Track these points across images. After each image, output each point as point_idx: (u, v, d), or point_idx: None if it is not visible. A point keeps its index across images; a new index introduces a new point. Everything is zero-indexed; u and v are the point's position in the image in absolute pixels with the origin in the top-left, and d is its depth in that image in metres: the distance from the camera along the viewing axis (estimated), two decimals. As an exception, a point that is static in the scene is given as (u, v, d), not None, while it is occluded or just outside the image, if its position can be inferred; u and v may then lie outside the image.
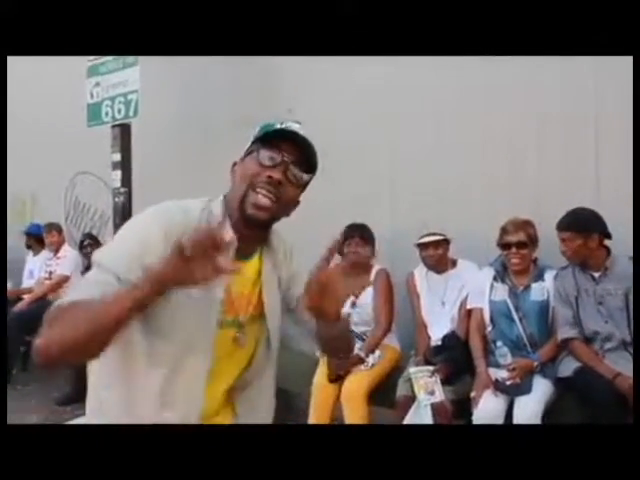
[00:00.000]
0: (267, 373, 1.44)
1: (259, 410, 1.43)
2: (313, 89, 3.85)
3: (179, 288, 1.02)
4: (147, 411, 1.19)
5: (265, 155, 1.22)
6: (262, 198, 1.21)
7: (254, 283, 1.36)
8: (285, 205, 1.26)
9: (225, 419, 1.38)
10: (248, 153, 1.27)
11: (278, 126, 1.23)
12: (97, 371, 1.29)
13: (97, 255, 1.17)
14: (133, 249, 1.15)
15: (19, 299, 5.27)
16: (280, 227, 1.39)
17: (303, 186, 1.29)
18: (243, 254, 1.31)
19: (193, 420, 1.21)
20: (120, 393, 1.25)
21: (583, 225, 2.74)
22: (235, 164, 1.32)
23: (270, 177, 1.20)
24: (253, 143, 1.26)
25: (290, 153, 1.22)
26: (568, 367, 2.73)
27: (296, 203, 1.32)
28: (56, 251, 5.31)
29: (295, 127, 1.24)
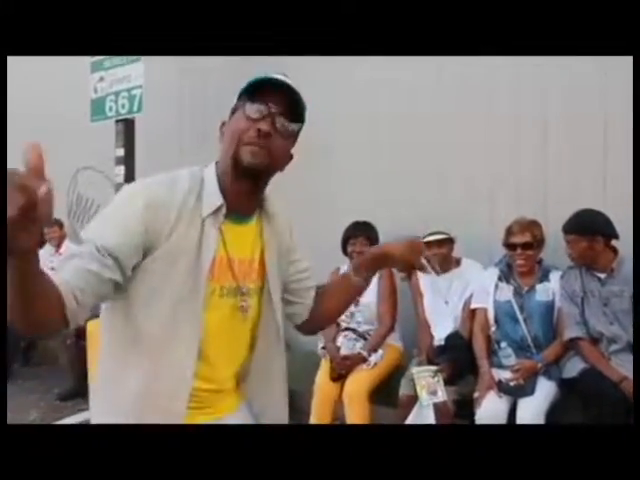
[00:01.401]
0: (276, 359, 1.40)
1: (271, 406, 1.40)
2: (315, 87, 3.83)
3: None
4: (133, 399, 1.17)
5: (251, 109, 1.19)
6: (254, 149, 1.19)
7: (253, 248, 1.33)
8: (277, 157, 1.23)
9: (231, 408, 1.35)
10: (234, 110, 1.25)
11: (263, 77, 1.21)
12: (93, 364, 1.28)
13: (82, 232, 1.16)
14: (113, 219, 1.14)
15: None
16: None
17: (293, 137, 1.27)
18: (240, 215, 1.29)
19: (181, 403, 1.18)
20: (107, 386, 1.24)
21: (588, 227, 2.73)
22: (223, 124, 1.29)
23: (259, 130, 1.18)
24: (239, 99, 1.24)
25: (277, 104, 1.20)
26: (573, 368, 2.72)
27: (289, 157, 1.30)
28: (58, 246, 5.30)
29: (280, 77, 1.21)
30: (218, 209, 1.24)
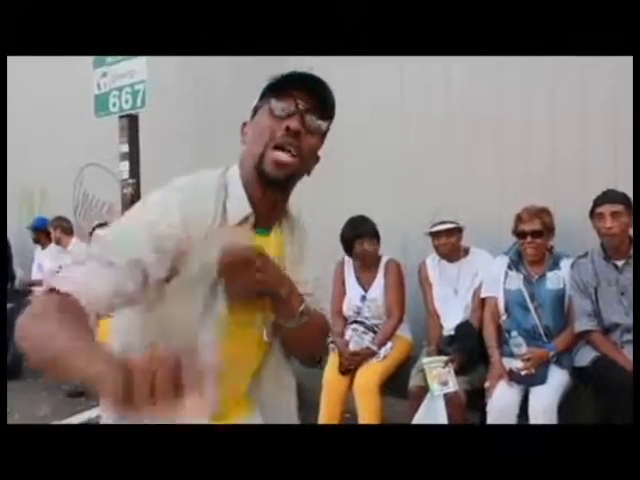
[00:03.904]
0: (287, 365, 1.36)
1: (280, 405, 1.36)
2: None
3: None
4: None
5: (278, 106, 1.11)
6: (282, 154, 1.10)
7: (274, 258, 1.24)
8: (306, 158, 1.14)
9: (239, 416, 1.30)
10: (257, 109, 1.16)
11: (288, 72, 1.12)
12: None
13: (106, 234, 1.07)
14: (148, 231, 1.05)
15: (29, 292, 5.29)
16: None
17: (322, 135, 1.18)
18: (262, 227, 1.21)
19: None
20: None
21: (630, 202, 2.60)
22: (245, 124, 1.21)
23: (288, 128, 1.09)
24: (262, 97, 1.15)
25: (304, 100, 1.11)
26: (585, 357, 2.69)
27: (317, 158, 1.21)
28: (65, 245, 5.32)
29: (306, 71, 1.12)
30: (245, 219, 1.16)
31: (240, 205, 1.16)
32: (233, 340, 1.20)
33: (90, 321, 0.94)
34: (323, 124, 1.15)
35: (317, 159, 1.22)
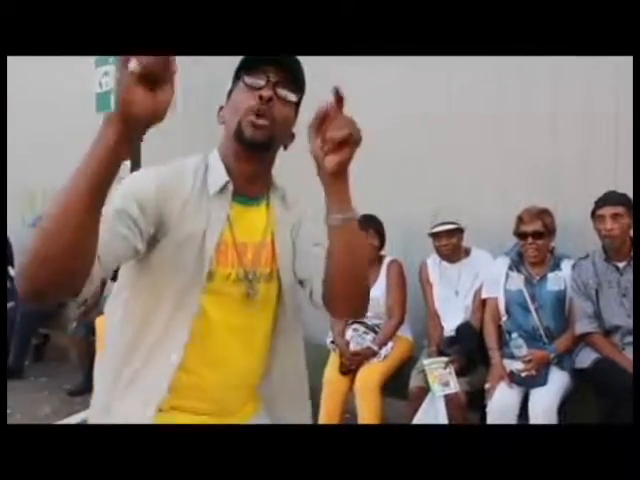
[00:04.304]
0: (295, 357, 1.34)
1: (292, 409, 1.34)
2: (326, 85, 3.80)
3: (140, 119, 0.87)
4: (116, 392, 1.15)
5: (250, 79, 1.17)
6: (259, 118, 1.16)
7: (264, 232, 1.27)
8: (281, 126, 1.19)
9: (249, 416, 1.29)
10: (231, 91, 1.23)
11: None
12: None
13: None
14: (131, 192, 1.11)
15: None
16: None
17: (295, 109, 1.23)
18: (248, 197, 1.25)
19: (154, 403, 1.13)
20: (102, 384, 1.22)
21: (631, 203, 2.59)
22: (221, 108, 1.27)
23: (260, 97, 1.15)
24: (234, 81, 1.22)
25: (275, 74, 1.18)
26: (586, 358, 2.68)
27: (292, 135, 1.26)
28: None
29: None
30: (224, 187, 1.20)
31: (218, 175, 1.21)
32: (222, 313, 1.21)
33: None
34: (293, 96, 1.20)
35: (292, 136, 1.27)
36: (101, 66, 4.55)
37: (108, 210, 1.02)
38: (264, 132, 1.16)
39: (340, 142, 1.05)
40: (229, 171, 1.21)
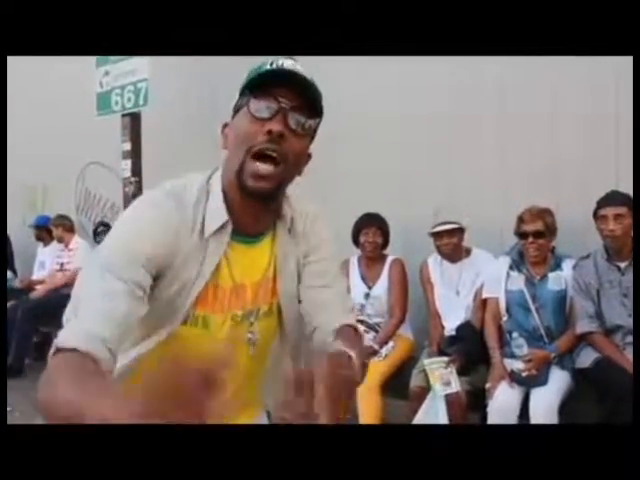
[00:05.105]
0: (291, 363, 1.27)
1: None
2: (325, 85, 3.80)
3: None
4: None
5: (258, 106, 0.99)
6: (262, 166, 0.99)
7: (266, 267, 1.15)
8: (294, 163, 1.03)
9: (246, 417, 1.25)
10: (237, 109, 1.05)
11: (267, 67, 1.00)
12: None
13: (102, 259, 0.98)
14: (132, 247, 0.98)
15: (30, 290, 5.30)
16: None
17: (311, 134, 1.06)
18: (249, 235, 1.11)
19: None
20: None
21: (632, 203, 2.58)
22: (225, 126, 1.10)
23: (270, 132, 0.98)
24: (242, 95, 1.03)
25: (287, 97, 0.99)
26: (587, 358, 2.68)
27: (307, 157, 1.09)
28: (67, 242, 5.32)
29: (288, 64, 1.01)
30: (222, 227, 1.06)
31: (216, 213, 1.05)
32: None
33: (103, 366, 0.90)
34: (310, 122, 1.03)
35: (308, 157, 1.10)
36: (101, 66, 4.55)
37: (112, 285, 0.94)
38: (269, 182, 1.01)
39: None
40: (230, 207, 1.06)
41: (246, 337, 1.14)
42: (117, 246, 0.99)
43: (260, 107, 0.99)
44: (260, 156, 0.99)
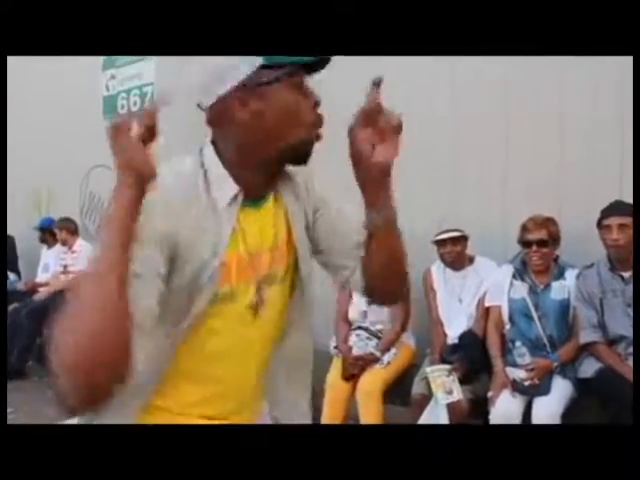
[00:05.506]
0: (303, 353, 1.26)
1: (294, 409, 1.27)
2: (332, 86, 3.81)
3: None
4: None
5: (308, 84, 1.08)
6: (318, 134, 1.07)
7: (277, 230, 1.15)
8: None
9: (250, 412, 1.22)
10: (259, 83, 1.03)
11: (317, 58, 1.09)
12: None
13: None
14: (152, 236, 0.96)
15: (34, 292, 5.31)
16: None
17: None
18: (257, 199, 1.11)
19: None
20: None
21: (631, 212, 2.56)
22: (244, 99, 1.04)
23: (317, 104, 1.07)
24: (275, 68, 1.05)
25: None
26: (589, 368, 2.67)
27: None
28: (70, 245, 5.34)
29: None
30: (235, 198, 1.06)
31: (224, 184, 1.06)
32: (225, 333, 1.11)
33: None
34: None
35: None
36: (108, 70, 4.58)
37: (145, 270, 0.94)
38: (312, 146, 1.08)
39: (391, 130, 1.05)
40: (237, 180, 1.07)
41: (251, 302, 1.11)
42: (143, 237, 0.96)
43: (309, 86, 1.07)
44: (315, 128, 1.06)
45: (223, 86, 1.03)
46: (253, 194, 1.10)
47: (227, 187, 1.06)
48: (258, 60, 1.04)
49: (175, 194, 1.02)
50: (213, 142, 1.10)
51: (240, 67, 1.04)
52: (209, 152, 1.09)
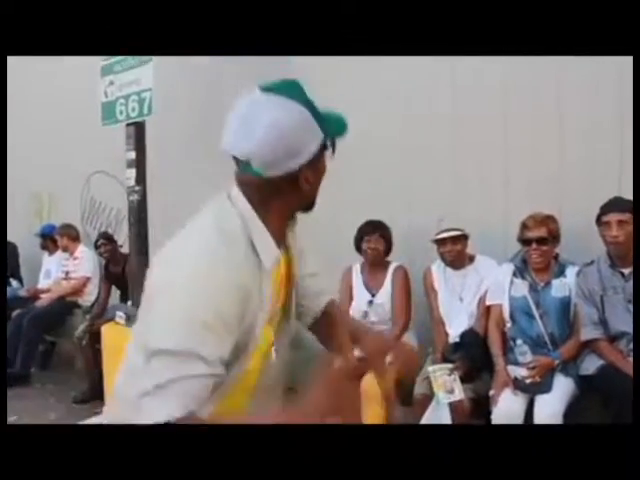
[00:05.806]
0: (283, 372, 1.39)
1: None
2: (329, 87, 3.81)
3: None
4: None
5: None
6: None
7: (282, 280, 1.28)
8: None
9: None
10: (321, 151, 1.19)
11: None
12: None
13: (154, 343, 1.02)
14: (193, 315, 1.02)
15: (36, 298, 5.32)
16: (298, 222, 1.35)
17: None
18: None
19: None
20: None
21: (631, 209, 2.57)
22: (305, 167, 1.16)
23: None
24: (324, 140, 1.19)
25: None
26: (591, 365, 2.67)
27: None
28: (72, 251, 5.34)
29: None
30: (277, 260, 1.21)
31: (268, 246, 1.17)
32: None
33: None
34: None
35: None
36: (106, 75, 4.58)
37: (196, 367, 1.01)
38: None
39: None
40: (277, 239, 1.20)
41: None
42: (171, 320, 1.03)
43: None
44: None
45: (294, 162, 1.13)
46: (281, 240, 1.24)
47: (270, 249, 1.17)
48: (320, 137, 1.16)
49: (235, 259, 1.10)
50: (250, 202, 1.16)
51: (311, 147, 1.14)
52: (245, 207, 1.16)
